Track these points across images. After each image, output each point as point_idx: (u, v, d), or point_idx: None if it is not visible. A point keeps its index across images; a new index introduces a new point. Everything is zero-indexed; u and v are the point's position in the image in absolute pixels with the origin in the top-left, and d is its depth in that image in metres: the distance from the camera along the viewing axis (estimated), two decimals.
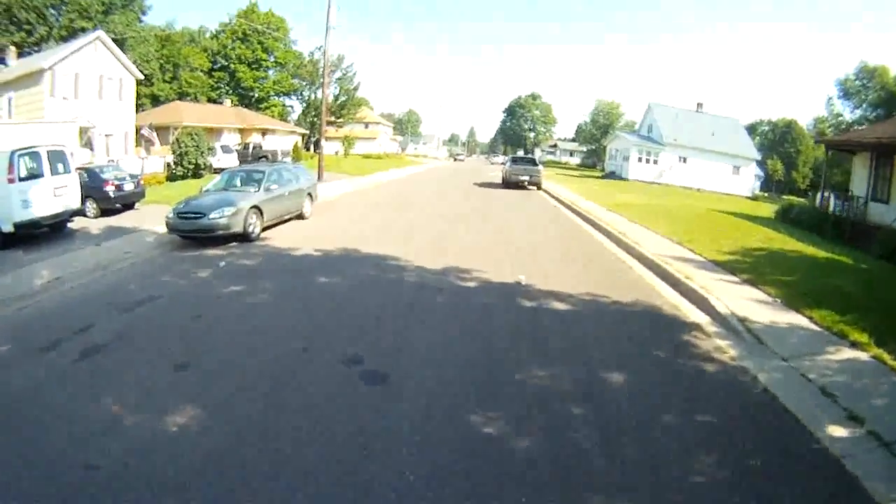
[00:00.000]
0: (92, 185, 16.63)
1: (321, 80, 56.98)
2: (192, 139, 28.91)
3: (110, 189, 16.67)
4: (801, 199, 59.31)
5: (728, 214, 19.84)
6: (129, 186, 17.60)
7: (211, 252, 11.01)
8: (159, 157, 31.06)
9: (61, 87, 28.14)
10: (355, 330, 6.43)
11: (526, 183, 28.80)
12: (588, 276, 9.45)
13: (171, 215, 11.88)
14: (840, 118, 66.31)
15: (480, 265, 9.71)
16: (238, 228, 11.67)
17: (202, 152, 29.12)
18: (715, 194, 41.88)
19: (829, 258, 12.13)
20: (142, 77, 34.73)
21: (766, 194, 56.81)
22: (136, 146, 32.89)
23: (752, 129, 62.86)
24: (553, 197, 25.35)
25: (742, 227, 15.93)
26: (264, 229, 12.86)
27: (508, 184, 29.09)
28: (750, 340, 6.59)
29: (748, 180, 49.76)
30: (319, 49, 56.41)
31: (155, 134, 32.11)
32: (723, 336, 6.77)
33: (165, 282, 8.87)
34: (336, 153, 55.95)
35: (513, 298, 7.82)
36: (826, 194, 19.65)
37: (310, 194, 15.77)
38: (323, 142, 29.20)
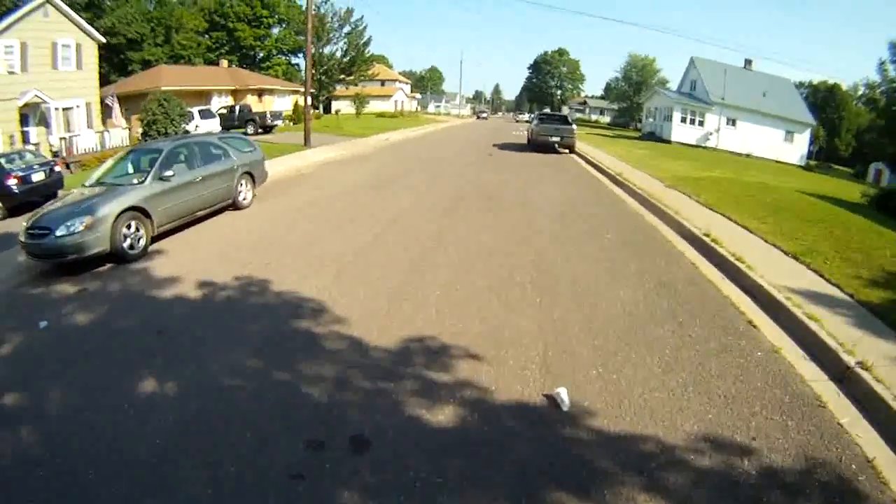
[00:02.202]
0: None
1: (328, 35, 52.63)
2: (161, 105, 24.99)
3: (13, 183, 13.52)
4: (847, 169, 53.44)
5: (817, 199, 15.05)
6: (38, 176, 14.40)
7: (62, 287, 6.88)
8: (121, 129, 27.20)
9: (5, 60, 23.78)
10: None
11: (556, 145, 24.09)
12: (692, 364, 4.78)
13: (21, 230, 7.67)
14: (894, 84, 58.33)
15: (476, 339, 5.17)
16: (101, 247, 7.35)
17: (172, 119, 25.09)
18: (766, 162, 36.41)
19: None
20: (103, 41, 30.06)
21: (816, 163, 50.56)
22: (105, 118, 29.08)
23: None
24: (591, 164, 20.44)
25: (853, 225, 11.08)
26: (159, 237, 8.61)
27: (535, 145, 24.48)
28: None
29: (801, 148, 43.74)
30: (326, 2, 51.83)
31: (117, 103, 28.07)
32: None
33: None
34: (337, 113, 51.52)
35: None
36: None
37: (249, 173, 11.30)
38: (309, 101, 24.76)
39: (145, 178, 8.50)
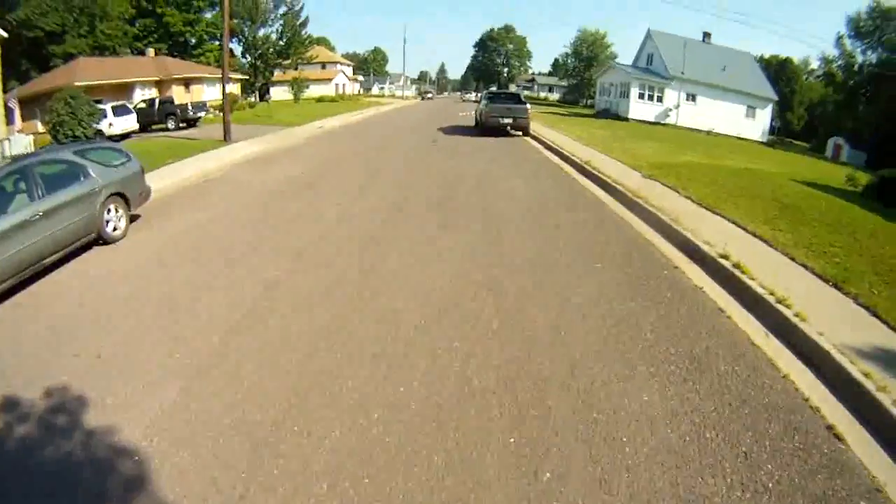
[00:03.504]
0: None
1: (262, 16, 49.17)
2: (67, 104, 21.64)
3: None
4: (802, 143, 52.55)
5: (814, 190, 13.52)
6: None
7: None
8: (24, 136, 23.69)
9: None
10: None
11: (509, 127, 21.93)
12: None
13: None
14: (852, 59, 57.30)
15: None
16: None
17: (80, 120, 21.79)
18: (729, 139, 35.19)
19: None
20: (5, 35, 26.23)
21: (776, 139, 49.50)
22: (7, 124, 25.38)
23: None
24: (551, 149, 18.30)
25: (875, 229, 9.19)
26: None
27: (485, 128, 22.21)
28: None
29: (763, 123, 42.76)
30: None
31: (17, 107, 24.65)
32: None
33: None
34: (267, 100, 48.46)
35: None
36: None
37: (120, 194, 8.58)
38: (229, 88, 22.00)
39: None
